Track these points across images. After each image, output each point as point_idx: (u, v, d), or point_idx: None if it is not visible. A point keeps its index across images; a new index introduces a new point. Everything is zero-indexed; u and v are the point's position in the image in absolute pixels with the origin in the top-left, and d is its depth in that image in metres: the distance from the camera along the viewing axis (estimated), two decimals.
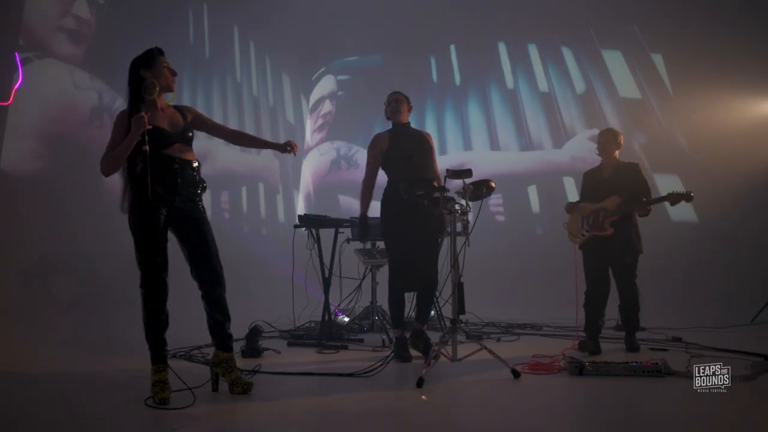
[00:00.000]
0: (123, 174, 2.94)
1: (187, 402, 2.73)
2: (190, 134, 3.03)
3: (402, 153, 3.96)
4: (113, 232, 4.98)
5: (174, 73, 3.02)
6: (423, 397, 2.95)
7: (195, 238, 2.96)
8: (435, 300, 4.49)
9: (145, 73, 2.93)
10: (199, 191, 3.01)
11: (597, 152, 4.30)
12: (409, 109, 4.15)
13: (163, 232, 2.88)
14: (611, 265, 4.14)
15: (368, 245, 5.33)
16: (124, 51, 5.50)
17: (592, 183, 4.31)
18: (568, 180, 7.41)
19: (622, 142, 4.24)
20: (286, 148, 3.17)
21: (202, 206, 3.04)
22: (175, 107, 3.08)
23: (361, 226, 4.03)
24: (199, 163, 3.04)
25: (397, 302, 3.94)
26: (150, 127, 2.82)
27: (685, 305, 5.84)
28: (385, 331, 4.64)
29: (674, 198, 3.95)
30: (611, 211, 4.07)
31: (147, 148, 2.80)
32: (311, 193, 8.66)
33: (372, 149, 4.07)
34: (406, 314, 4.02)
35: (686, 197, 3.92)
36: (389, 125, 4.15)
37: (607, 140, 4.22)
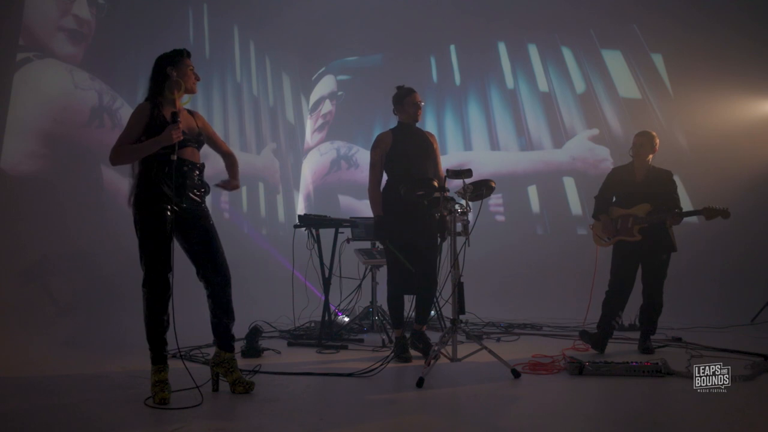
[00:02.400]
0: (133, 170, 2.96)
1: (188, 402, 2.73)
2: (202, 138, 3.06)
3: (404, 152, 3.95)
4: (113, 231, 5.00)
5: (197, 78, 3.03)
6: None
7: (201, 239, 2.97)
8: (435, 300, 4.49)
9: (171, 72, 2.94)
10: (202, 193, 3.03)
11: (631, 153, 4.24)
12: None
13: (168, 231, 2.89)
14: (642, 264, 4.13)
15: (369, 244, 5.34)
16: (124, 51, 5.57)
17: (621, 183, 4.25)
18: (568, 180, 7.41)
19: (658, 146, 4.20)
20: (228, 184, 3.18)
21: (206, 207, 3.06)
22: (188, 111, 3.10)
23: (378, 228, 3.97)
24: (203, 166, 3.05)
25: (396, 302, 3.94)
26: (182, 137, 2.84)
27: (685, 305, 5.83)
28: (385, 331, 4.64)
29: (710, 213, 3.98)
30: (641, 218, 4.07)
31: (175, 157, 2.83)
32: (311, 193, 8.65)
33: (376, 149, 4.02)
34: (405, 314, 4.02)
35: (723, 214, 3.95)
36: (392, 123, 4.14)
37: (643, 143, 4.17)
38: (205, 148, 3.16)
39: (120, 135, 2.90)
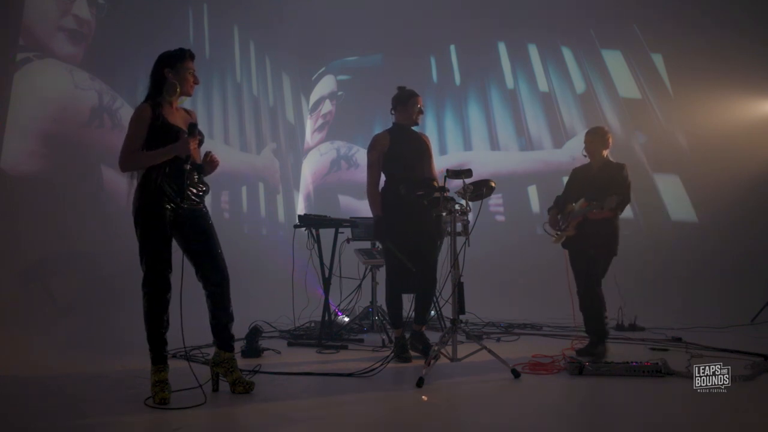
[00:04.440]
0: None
1: (188, 402, 2.73)
2: (201, 138, 3.03)
3: (401, 153, 3.95)
4: (113, 231, 5.00)
5: (196, 81, 3.01)
6: (423, 397, 2.95)
7: (200, 239, 2.97)
8: (435, 300, 4.49)
9: (168, 74, 2.92)
10: (202, 193, 3.02)
11: (584, 153, 4.15)
12: None
13: (168, 231, 2.88)
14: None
15: (369, 244, 5.34)
16: (124, 51, 5.58)
17: (578, 180, 4.20)
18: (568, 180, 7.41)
19: (610, 140, 4.10)
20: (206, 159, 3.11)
21: (205, 207, 3.05)
22: (184, 110, 3.10)
23: (377, 228, 3.95)
24: (202, 165, 3.05)
25: (394, 302, 3.94)
26: (196, 147, 2.87)
27: (685, 305, 5.83)
28: (385, 331, 4.64)
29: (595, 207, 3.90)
30: (576, 212, 4.04)
31: (188, 167, 2.86)
32: (311, 193, 8.66)
33: (373, 150, 4.02)
34: (405, 314, 4.02)
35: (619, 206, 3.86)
36: (388, 124, 4.15)
37: (592, 140, 4.10)
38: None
39: (125, 141, 2.88)
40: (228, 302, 3.00)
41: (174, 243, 2.96)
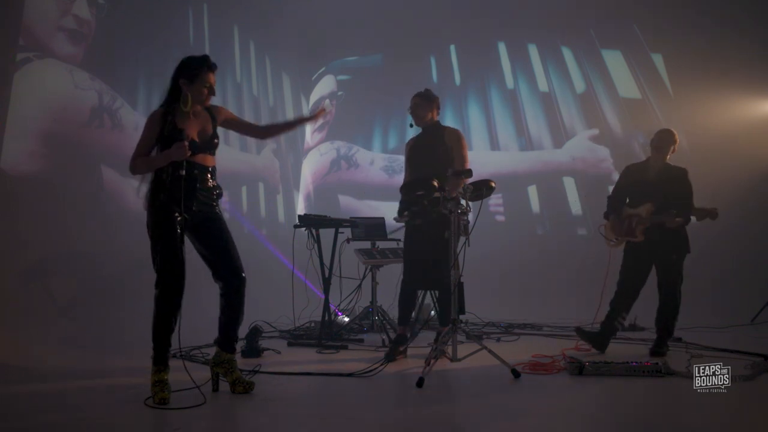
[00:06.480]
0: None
1: (188, 402, 2.73)
2: (216, 141, 3.04)
3: (414, 155, 4.09)
4: (113, 231, 5.00)
5: (212, 93, 2.99)
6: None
7: (215, 241, 2.99)
8: (435, 299, 4.48)
9: (183, 84, 2.94)
10: (215, 195, 3.02)
11: (651, 147, 4.15)
12: (437, 107, 4.15)
13: (179, 234, 2.89)
14: (655, 265, 4.07)
15: (369, 244, 5.34)
16: (124, 51, 5.58)
17: (635, 182, 4.17)
18: (568, 180, 7.41)
19: (676, 147, 4.15)
20: (317, 117, 3.43)
21: (219, 209, 3.06)
22: (209, 108, 3.09)
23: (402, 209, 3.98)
24: (215, 169, 3.05)
25: (404, 299, 3.97)
26: (188, 155, 2.85)
27: (685, 305, 5.81)
28: (385, 331, 4.63)
29: (700, 214, 3.99)
30: (644, 218, 4.01)
31: (183, 172, 2.85)
32: (311, 193, 8.65)
33: (405, 157, 4.24)
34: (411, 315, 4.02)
35: (711, 215, 3.97)
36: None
37: (667, 139, 4.11)
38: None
39: (137, 144, 2.94)
40: (242, 304, 3.03)
41: (191, 245, 2.97)
